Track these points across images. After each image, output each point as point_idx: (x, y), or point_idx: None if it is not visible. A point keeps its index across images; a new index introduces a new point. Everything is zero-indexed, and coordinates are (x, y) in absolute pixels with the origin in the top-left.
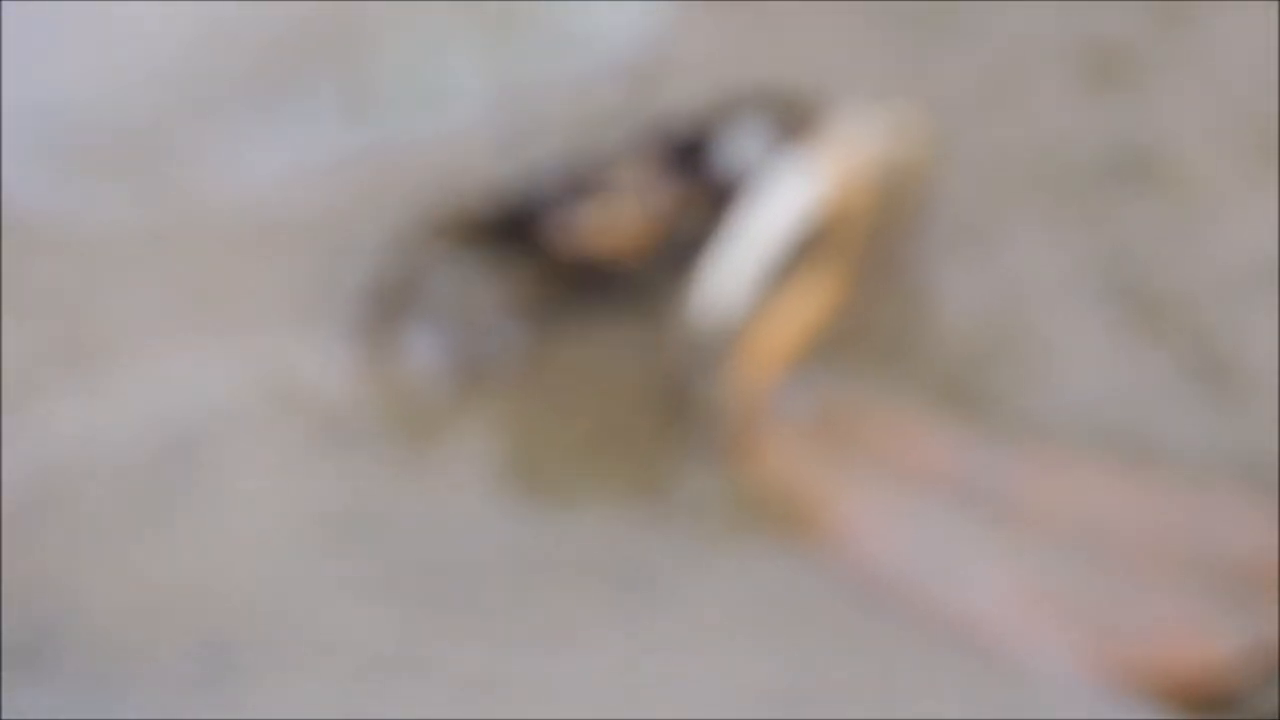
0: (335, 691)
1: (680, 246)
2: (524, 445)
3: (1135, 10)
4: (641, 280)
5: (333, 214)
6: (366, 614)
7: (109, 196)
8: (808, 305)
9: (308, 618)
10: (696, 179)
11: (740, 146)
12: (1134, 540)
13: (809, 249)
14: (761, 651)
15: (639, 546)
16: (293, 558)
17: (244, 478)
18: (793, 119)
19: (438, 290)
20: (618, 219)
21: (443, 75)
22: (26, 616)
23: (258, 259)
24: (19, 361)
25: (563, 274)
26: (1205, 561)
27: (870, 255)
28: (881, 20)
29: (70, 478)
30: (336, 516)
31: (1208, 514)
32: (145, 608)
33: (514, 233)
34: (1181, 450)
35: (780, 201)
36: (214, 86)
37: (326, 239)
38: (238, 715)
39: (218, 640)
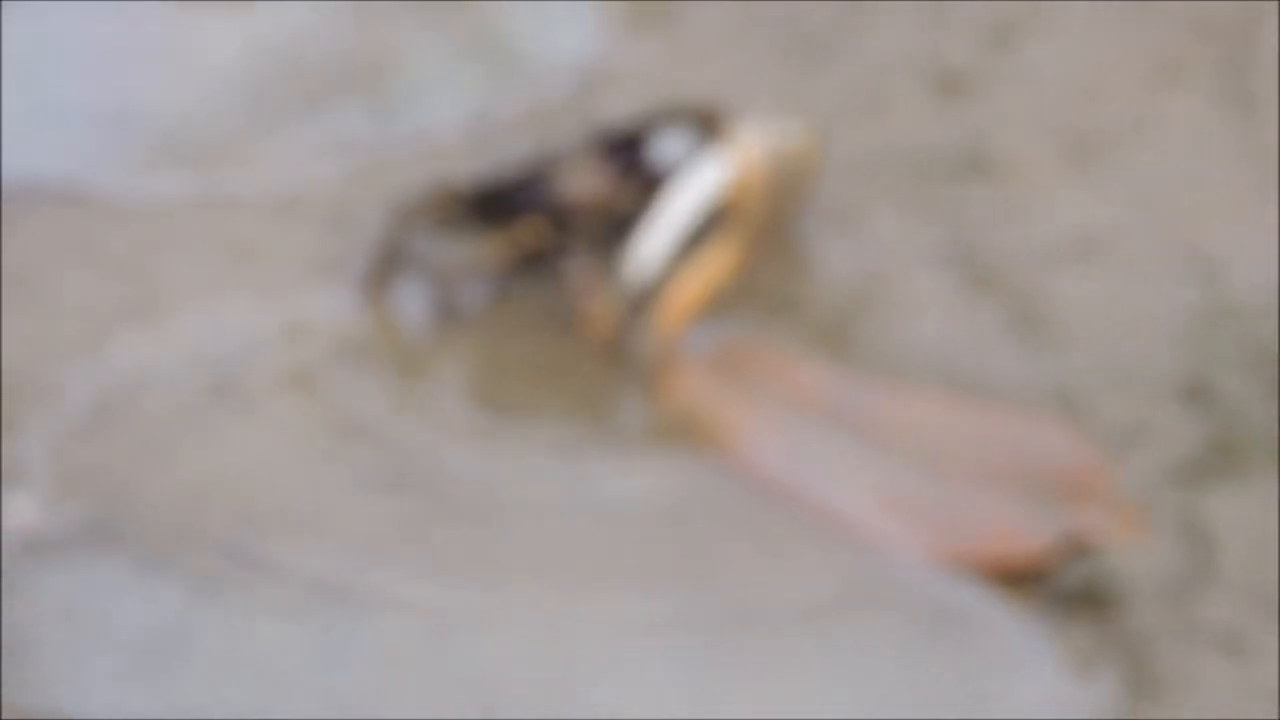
0: (339, 563)
1: (618, 221)
2: (489, 375)
3: (972, 37)
4: (584, 249)
5: (344, 195)
6: (365, 503)
7: (171, 180)
8: (714, 268)
9: (318, 506)
10: (631, 170)
11: (666, 145)
12: (967, 455)
13: (716, 224)
14: (676, 537)
15: (580, 455)
16: (307, 459)
17: (270, 397)
18: (706, 124)
19: (423, 254)
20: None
21: (431, 90)
22: (96, 501)
23: (285, 229)
24: (98, 308)
25: (521, 242)
26: (1023, 471)
27: (764, 230)
28: (775, 47)
29: (134, 396)
30: (343, 427)
31: (1025, 434)
32: (189, 495)
33: (484, 211)
34: (1005, 384)
35: (695, 187)
36: (259, 97)
37: (338, 214)
38: (264, 585)
39: (247, 522)
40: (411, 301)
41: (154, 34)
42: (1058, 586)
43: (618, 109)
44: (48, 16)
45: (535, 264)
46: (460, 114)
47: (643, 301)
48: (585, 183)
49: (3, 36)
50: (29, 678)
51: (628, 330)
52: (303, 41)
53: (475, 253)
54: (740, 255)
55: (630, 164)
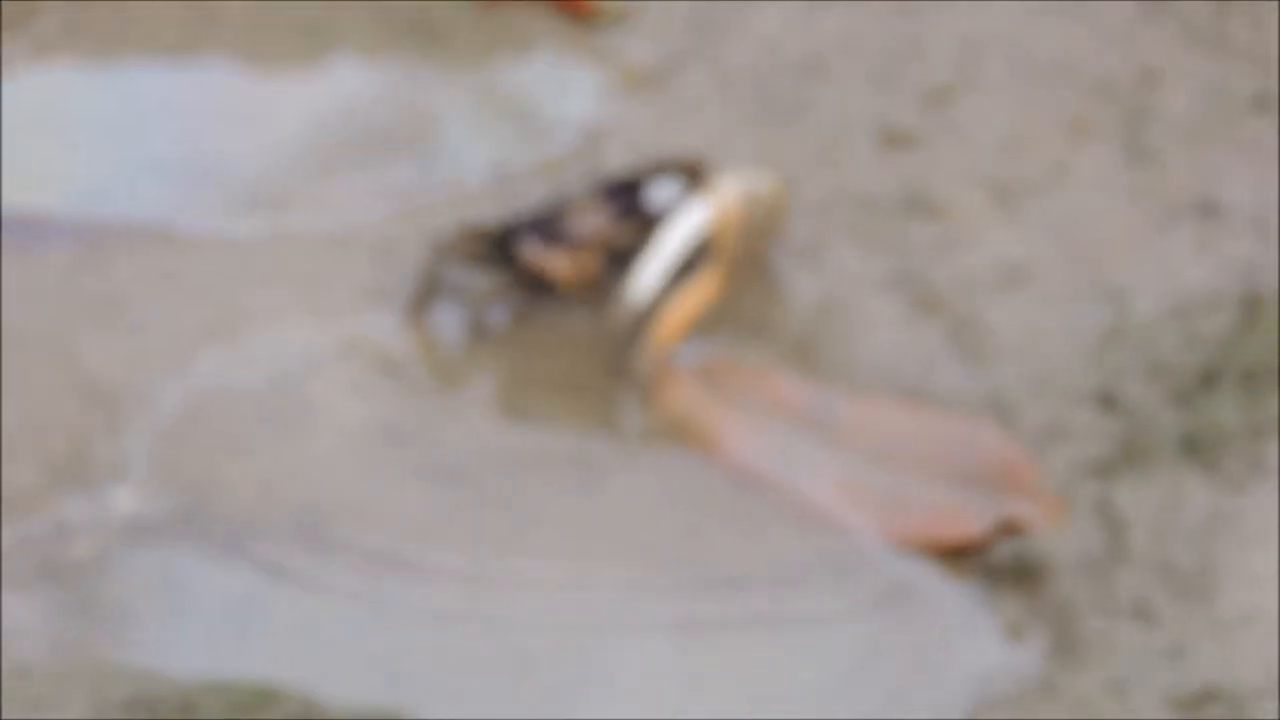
0: (388, 543)
1: (619, 256)
2: (513, 384)
3: (912, 100)
4: (592, 280)
5: (390, 233)
6: (410, 493)
7: (246, 221)
8: (700, 294)
9: (370, 495)
10: (629, 212)
11: (658, 192)
12: (914, 452)
13: (701, 257)
14: (670, 519)
15: (589, 451)
16: (361, 455)
17: (330, 402)
18: (692, 174)
19: (456, 283)
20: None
21: (462, 146)
22: (185, 491)
23: (340, 262)
24: (185, 329)
25: (535, 275)
26: (961, 465)
27: (741, 262)
28: (747, 110)
29: (216, 403)
30: (390, 429)
31: (963, 434)
32: (263, 487)
33: (505, 247)
34: (945, 392)
35: (683, 227)
36: (320, 153)
37: (385, 250)
38: (326, 562)
39: (310, 509)
40: (447, 322)
41: (233, 99)
42: (991, 563)
43: (617, 161)
44: (145, 83)
45: (550, 292)
46: (486, 166)
47: (641, 322)
48: (590, 222)
49: (107, 101)
50: (128, 641)
51: (628, 347)
52: (357, 107)
53: (496, 281)
54: (721, 284)
55: (628, 207)
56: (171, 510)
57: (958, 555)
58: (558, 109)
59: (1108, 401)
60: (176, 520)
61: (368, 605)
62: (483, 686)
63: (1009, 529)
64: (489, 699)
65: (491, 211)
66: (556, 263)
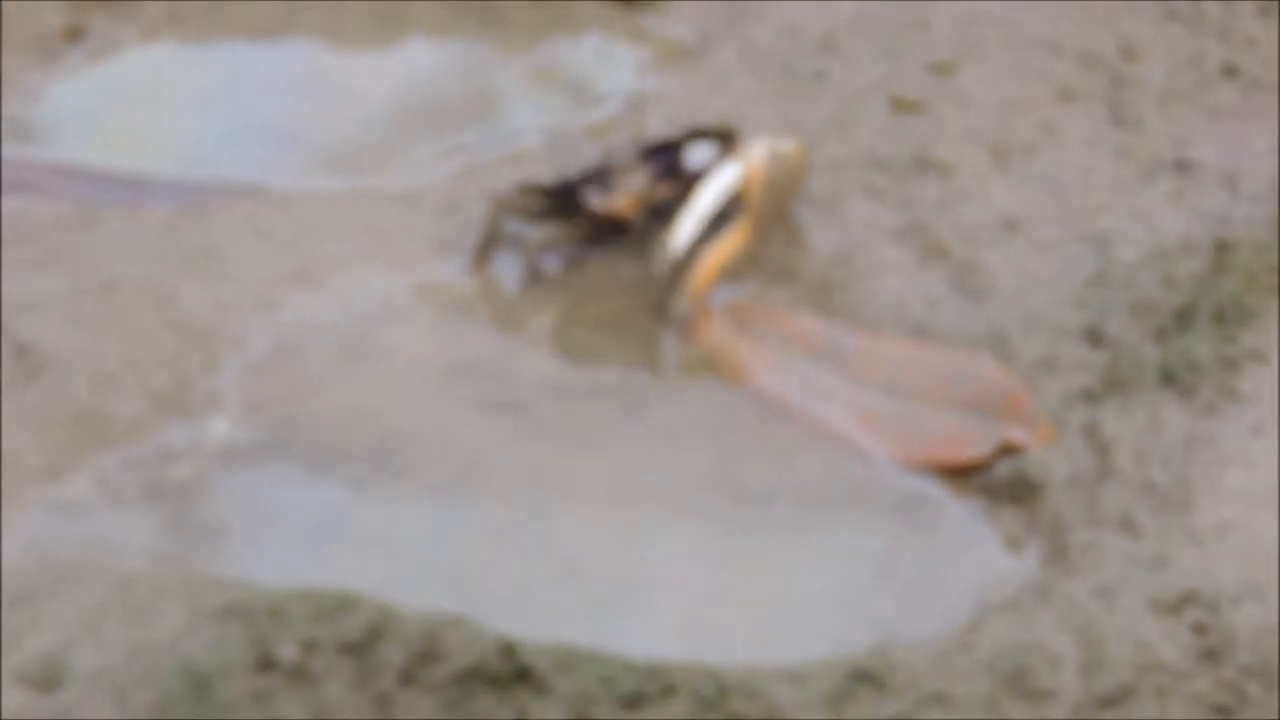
0: (454, 466)
1: (659, 211)
2: (566, 326)
3: (919, 71)
4: (636, 230)
5: (456, 190)
6: (473, 423)
7: (327, 180)
8: (731, 245)
9: (437, 424)
10: (669, 172)
11: (694, 154)
12: (922, 383)
13: (731, 212)
14: (706, 445)
15: (632, 383)
16: (430, 389)
17: (403, 343)
18: (724, 138)
19: (515, 234)
20: (621, 195)
21: (521, 113)
22: (274, 421)
23: (411, 217)
24: (272, 276)
25: (588, 226)
26: (964, 394)
27: (767, 216)
28: (772, 81)
29: (301, 342)
30: (456, 366)
31: (965, 367)
32: (343, 416)
33: (560, 201)
34: (950, 330)
35: (716, 185)
36: (393, 118)
37: (452, 205)
38: (398, 483)
39: (385, 436)
40: (507, 270)
41: (317, 74)
42: (991, 481)
43: (657, 127)
44: (239, 61)
45: (598, 242)
46: (541, 131)
47: (679, 268)
48: (634, 181)
49: (206, 76)
50: (222, 554)
51: (668, 290)
52: (427, 81)
53: (551, 233)
54: (750, 234)
55: (668, 167)
56: (262, 437)
57: (961, 474)
58: (605, 81)
59: (1094, 336)
60: (266, 446)
61: (435, 522)
62: (538, 593)
63: (1007, 450)
64: (544, 603)
65: (546, 171)
66: (617, 202)
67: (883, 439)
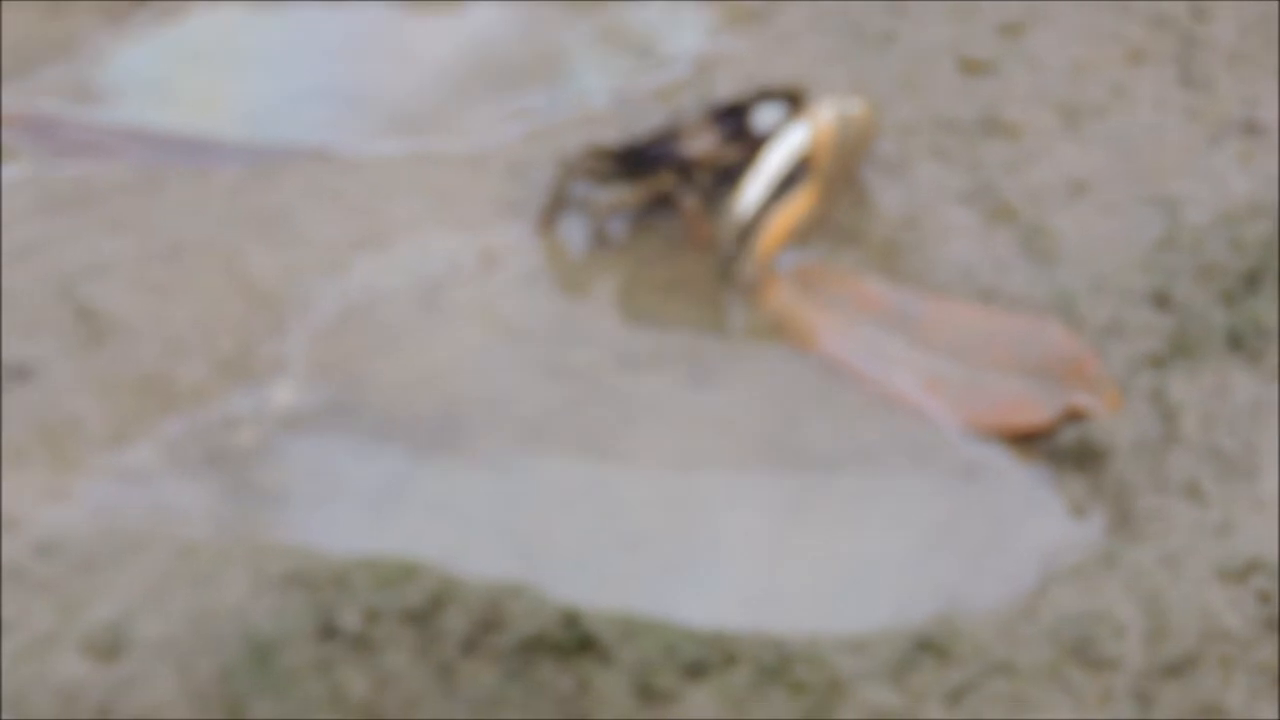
0: (518, 430)
1: (728, 172)
2: (632, 289)
3: (988, 31)
4: (704, 191)
5: (523, 153)
6: (538, 386)
7: (393, 142)
8: (798, 207)
9: (502, 388)
10: (737, 134)
11: (763, 115)
12: (988, 347)
13: (800, 174)
14: (772, 408)
15: (699, 347)
16: (495, 353)
17: (469, 305)
18: (793, 99)
19: (582, 197)
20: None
21: (587, 74)
22: (338, 385)
23: (478, 179)
24: (339, 239)
25: (655, 186)
26: (1030, 359)
27: (835, 178)
28: (841, 41)
29: (367, 305)
30: (522, 329)
31: (1032, 331)
32: (408, 380)
33: (627, 164)
34: (1016, 294)
35: (784, 147)
36: (460, 80)
37: (519, 167)
38: (462, 448)
39: (450, 400)
40: (573, 233)
41: (383, 37)
42: (1057, 447)
43: (725, 88)
44: (305, 24)
45: (666, 204)
46: (608, 93)
47: (746, 232)
48: (702, 143)
49: (272, 39)
50: (285, 520)
51: (735, 254)
52: (493, 42)
53: (621, 195)
54: (818, 197)
55: (736, 129)
56: (327, 402)
57: (1027, 440)
58: (673, 43)
59: (1161, 300)
60: (330, 411)
61: (496, 486)
62: (602, 559)
63: (1073, 416)
64: (607, 572)
65: (613, 133)
66: (700, 147)
67: (949, 404)
